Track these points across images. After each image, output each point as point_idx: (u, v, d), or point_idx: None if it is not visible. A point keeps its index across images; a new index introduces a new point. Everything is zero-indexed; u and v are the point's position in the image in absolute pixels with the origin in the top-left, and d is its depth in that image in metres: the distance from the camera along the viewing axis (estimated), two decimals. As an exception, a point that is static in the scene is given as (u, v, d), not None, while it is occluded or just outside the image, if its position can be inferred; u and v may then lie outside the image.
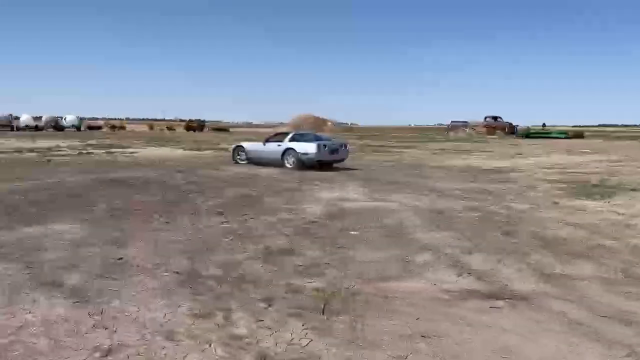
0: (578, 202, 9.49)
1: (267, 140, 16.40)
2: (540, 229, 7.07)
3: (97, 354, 3.28)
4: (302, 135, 16.76)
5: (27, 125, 59.37)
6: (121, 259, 5.41)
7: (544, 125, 62.84)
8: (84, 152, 22.67)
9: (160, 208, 8.32)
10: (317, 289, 4.55)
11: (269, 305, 4.17)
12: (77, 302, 4.16)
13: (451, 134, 57.21)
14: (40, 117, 63.53)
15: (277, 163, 15.46)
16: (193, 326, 3.74)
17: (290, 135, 16.18)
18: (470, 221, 7.59)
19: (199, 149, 27.21)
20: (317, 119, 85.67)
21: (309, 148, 15.07)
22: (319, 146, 15.11)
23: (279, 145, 15.72)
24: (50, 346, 3.37)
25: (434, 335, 3.64)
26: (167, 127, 79.99)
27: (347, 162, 16.71)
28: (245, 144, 17.23)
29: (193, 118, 77.60)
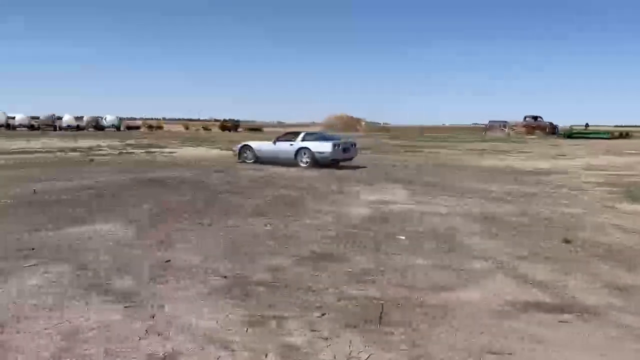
0: (634, 207, 9.00)
1: (277, 140, 16.57)
2: (601, 236, 6.69)
3: (152, 363, 3.18)
4: (312, 134, 17.07)
5: (69, 125, 61.19)
6: (168, 261, 5.35)
7: (587, 125, 60.82)
8: (124, 151, 23.09)
9: (201, 209, 8.29)
10: (370, 298, 4.37)
11: (323, 314, 4.01)
12: (128, 306, 4.09)
13: (489, 134, 56.04)
14: (82, 117, 65.32)
15: (289, 162, 15.69)
16: (247, 334, 3.61)
17: (301, 135, 16.37)
18: (523, 226, 7.26)
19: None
20: (350, 118, 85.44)
21: (324, 147, 15.42)
22: (334, 145, 15.48)
23: (291, 145, 15.95)
24: (104, 353, 3.29)
25: (503, 352, 3.41)
26: (202, 127, 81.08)
27: (384, 163, 16.47)
28: (253, 144, 17.32)
29: (227, 118, 78.34)
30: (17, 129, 58.18)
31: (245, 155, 17.05)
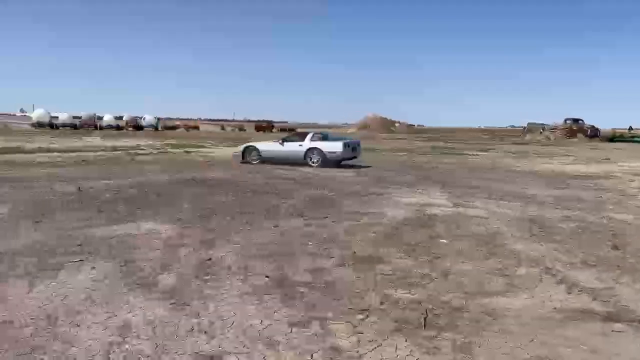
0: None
1: (284, 140, 17.05)
2: (653, 244, 6.42)
3: (200, 360, 3.21)
4: (319, 135, 17.38)
5: (109, 125, 62.97)
6: (210, 259, 5.41)
7: (630, 128, 58.69)
8: (163, 151, 23.58)
9: (241, 208, 8.36)
10: (414, 301, 4.31)
11: (366, 317, 3.97)
12: (174, 303, 4.15)
13: (528, 136, 54.74)
14: (121, 117, 67.10)
15: (297, 162, 16.10)
16: (291, 334, 3.61)
17: (310, 136, 16.81)
18: (570, 232, 7.04)
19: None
20: (384, 119, 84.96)
21: (335, 147, 16.06)
22: (345, 145, 16.11)
23: (300, 145, 16.38)
24: (153, 348, 3.34)
25: (556, 362, 3.30)
26: (238, 128, 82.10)
27: (424, 166, 16.29)
28: (258, 145, 17.57)
29: (260, 119, 79.26)
30: (61, 128, 60.19)
31: (250, 156, 17.10)
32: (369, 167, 16.82)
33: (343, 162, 16.36)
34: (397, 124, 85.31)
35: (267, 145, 17.41)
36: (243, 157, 17.21)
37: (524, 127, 60.89)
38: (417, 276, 4.98)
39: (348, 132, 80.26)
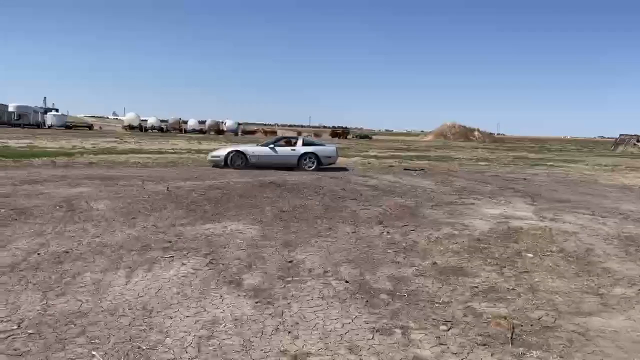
0: None
1: (274, 145, 17.00)
2: None
3: (285, 359, 3.29)
4: (306, 139, 18.30)
5: (193, 129, 66.10)
6: (291, 261, 5.53)
7: None
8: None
9: (320, 213, 8.47)
10: (500, 316, 4.16)
11: (450, 328, 3.90)
12: (259, 302, 4.29)
13: (619, 148, 51.16)
14: (204, 122, 70.16)
15: (290, 166, 16.37)
16: (373, 341, 3.62)
17: (301, 140, 17.58)
18: (672, 252, 6.49)
19: (346, 155, 27.69)
20: (463, 127, 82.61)
21: (330, 152, 17.19)
22: (337, 150, 17.52)
23: (293, 150, 16.76)
24: (240, 344, 3.47)
25: (660, 391, 3.06)
26: (313, 134, 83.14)
27: (507, 176, 15.67)
28: (245, 149, 16.86)
29: (335, 125, 79.91)
30: (149, 131, 63.98)
31: (235, 161, 16.28)
32: (449, 176, 16.44)
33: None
34: (476, 132, 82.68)
35: (258, 150, 16.81)
36: (226, 162, 16.30)
37: (616, 139, 56.98)
38: (503, 290, 4.81)
39: (424, 140, 78.86)
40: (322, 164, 16.83)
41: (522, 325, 3.99)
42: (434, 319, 4.05)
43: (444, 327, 3.91)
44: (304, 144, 17.25)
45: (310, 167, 16.60)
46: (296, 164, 16.59)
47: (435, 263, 5.67)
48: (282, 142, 17.54)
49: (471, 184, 14.03)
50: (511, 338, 3.76)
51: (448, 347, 3.56)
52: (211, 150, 19.29)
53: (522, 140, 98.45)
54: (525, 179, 16.67)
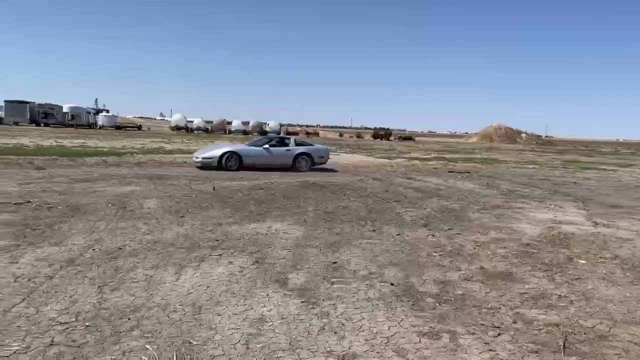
0: None
1: (269, 145, 16.49)
2: None
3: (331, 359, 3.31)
4: (298, 139, 18.06)
5: (237, 130, 67.28)
6: (336, 262, 5.54)
7: None
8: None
9: (364, 215, 8.46)
10: (551, 324, 4.04)
11: (499, 335, 3.81)
12: (304, 302, 4.32)
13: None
14: (248, 123, 71.26)
15: (284, 167, 16.20)
16: (420, 345, 3.58)
17: (293, 140, 17.30)
18: None
19: (389, 157, 27.53)
20: (509, 130, 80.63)
21: (323, 152, 17.31)
22: (328, 150, 17.82)
23: (287, 150, 16.51)
24: (287, 343, 3.51)
25: None
26: (356, 135, 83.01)
27: (556, 180, 15.19)
28: (239, 150, 16.11)
29: (377, 126, 79.78)
30: (195, 131, 65.50)
31: (228, 162, 15.53)
32: (495, 179, 16.10)
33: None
34: (523, 135, 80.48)
35: (250, 151, 16.20)
36: (220, 164, 15.48)
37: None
38: (554, 297, 4.67)
39: (469, 142, 77.38)
40: (315, 164, 16.80)
41: (574, 334, 3.87)
42: (482, 325, 3.97)
43: (492, 333, 3.83)
44: (297, 144, 17.02)
45: (305, 167, 16.45)
46: (291, 165, 16.35)
47: (482, 267, 5.56)
48: (274, 142, 16.92)
49: (519, 188, 13.68)
50: (563, 347, 3.65)
51: (497, 354, 3.48)
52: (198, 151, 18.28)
53: (572, 143, 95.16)
54: (575, 182, 16.12)
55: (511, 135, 78.69)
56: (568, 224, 8.29)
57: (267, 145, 16.45)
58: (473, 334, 3.80)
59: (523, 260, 5.90)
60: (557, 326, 4.00)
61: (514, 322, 4.08)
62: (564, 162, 28.74)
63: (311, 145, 17.72)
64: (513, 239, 6.98)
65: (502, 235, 7.24)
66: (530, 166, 24.54)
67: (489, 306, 4.39)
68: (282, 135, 21.65)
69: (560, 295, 4.73)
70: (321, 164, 17.24)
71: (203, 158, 15.87)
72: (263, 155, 16.21)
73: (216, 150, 16.26)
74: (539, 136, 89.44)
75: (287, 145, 16.84)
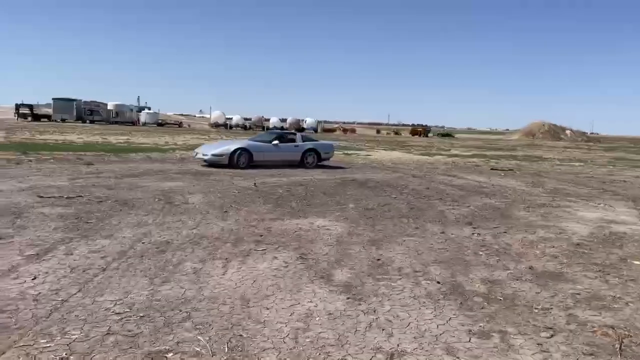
0: None
1: (279, 141, 15.73)
2: None
3: (381, 356, 3.29)
4: (304, 136, 17.57)
5: (275, 127, 67.80)
6: (379, 259, 5.51)
7: None
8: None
9: (406, 212, 8.38)
10: (607, 326, 3.91)
11: (552, 336, 3.71)
12: (350, 298, 4.32)
13: None
14: (285, 120, 71.79)
15: (292, 163, 15.60)
16: (471, 344, 3.52)
17: (300, 135, 16.86)
18: None
19: (428, 154, 27.21)
20: (553, 126, 78.32)
21: (329, 148, 17.07)
22: (333, 145, 17.84)
23: (296, 147, 16.01)
24: (335, 339, 3.51)
25: None
26: (393, 132, 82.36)
27: (604, 178, 14.67)
28: (249, 146, 15.13)
29: (415, 122, 78.98)
30: (233, 128, 66.46)
31: (239, 159, 14.59)
32: (540, 177, 15.68)
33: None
34: (568, 132, 78.03)
35: (261, 147, 15.37)
36: (231, 161, 14.51)
37: None
38: (608, 299, 4.52)
39: (510, 139, 75.57)
40: (321, 160, 16.46)
41: (631, 336, 3.73)
42: (534, 325, 3.88)
43: (545, 334, 3.73)
44: (303, 140, 16.62)
45: (312, 163, 16.02)
46: (299, 161, 15.85)
47: (531, 267, 5.42)
48: (282, 138, 16.24)
49: (565, 186, 13.28)
50: (620, 349, 3.52)
51: (551, 355, 3.40)
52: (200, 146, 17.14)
53: (620, 140, 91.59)
54: (625, 181, 15.53)
55: (555, 133, 76.42)
56: (619, 223, 7.99)
57: (276, 141, 15.70)
58: (525, 334, 3.71)
59: (574, 260, 5.72)
60: (613, 328, 3.86)
61: (568, 323, 3.97)
62: (611, 160, 27.71)
63: (316, 140, 17.41)
64: (562, 239, 6.78)
65: (550, 234, 7.04)
66: (576, 164, 23.79)
67: (540, 307, 4.28)
68: (286, 130, 21.24)
69: (614, 296, 4.57)
70: (326, 159, 16.84)
71: (213, 155, 14.80)
72: (272, 152, 15.48)
73: (225, 146, 15.28)
74: (584, 133, 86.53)
75: (294, 141, 16.29)
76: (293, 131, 20.61)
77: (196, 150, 16.16)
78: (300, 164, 15.83)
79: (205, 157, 14.93)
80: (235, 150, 14.64)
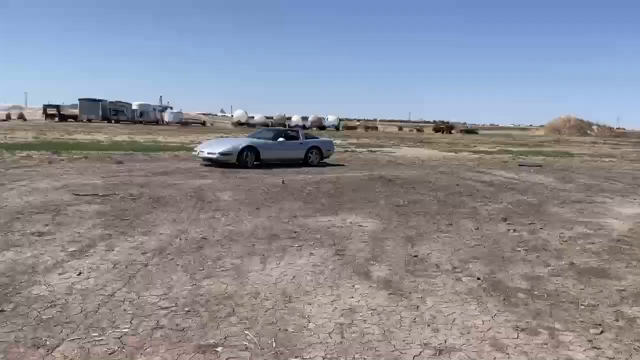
0: None
1: (284, 138, 15.52)
2: None
3: (429, 352, 3.26)
4: (307, 133, 17.73)
5: (296, 125, 68.02)
6: (416, 256, 5.47)
7: None
8: (349, 150, 24.57)
9: (437, 209, 8.31)
10: (658, 323, 3.81)
11: (601, 332, 3.63)
12: (392, 294, 4.29)
13: None
14: (307, 118, 71.91)
15: (295, 162, 15.28)
16: (519, 340, 3.47)
17: (302, 133, 16.80)
18: None
19: (454, 151, 26.96)
20: (579, 122, 76.86)
21: (330, 144, 16.88)
22: (333, 142, 17.66)
23: (300, 144, 15.81)
24: (381, 334, 3.50)
25: None
26: (416, 129, 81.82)
27: (638, 174, 14.33)
28: (256, 144, 14.65)
29: (437, 119, 78.29)
30: (255, 126, 66.82)
31: (247, 157, 14.07)
32: (570, 172, 15.39)
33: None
34: (594, 127, 76.44)
35: (266, 144, 14.90)
36: (239, 160, 13.92)
37: None
38: (657, 296, 4.40)
39: (535, 134, 74.39)
40: (323, 158, 16.23)
41: (685, 335, 3.63)
42: (582, 322, 3.80)
43: (594, 331, 3.65)
44: (309, 137, 16.55)
45: (316, 161, 15.81)
46: (303, 158, 15.58)
47: (572, 263, 5.32)
48: (286, 135, 16.09)
49: (597, 182, 13.02)
50: (674, 347, 3.43)
51: (603, 352, 3.32)
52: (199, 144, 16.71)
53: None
54: (660, 176, 15.14)
55: (581, 128, 74.98)
56: (659, 219, 7.79)
57: (282, 139, 15.41)
58: (574, 331, 3.64)
59: (616, 257, 5.60)
60: (665, 326, 3.76)
61: (616, 320, 3.88)
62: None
63: (317, 138, 17.28)
64: (601, 234, 6.65)
65: (589, 230, 6.91)
66: (606, 159, 23.29)
67: (586, 303, 4.20)
68: (281, 128, 20.78)
69: (663, 293, 4.46)
70: (327, 157, 16.54)
71: (220, 154, 13.98)
72: (278, 149, 15.16)
73: (231, 143, 14.83)
74: (610, 128, 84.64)
75: (297, 138, 16.08)
76: (294, 128, 20.60)
77: (196, 148, 15.63)
78: (305, 162, 15.51)
79: (212, 156, 14.15)
80: (244, 149, 14.14)
